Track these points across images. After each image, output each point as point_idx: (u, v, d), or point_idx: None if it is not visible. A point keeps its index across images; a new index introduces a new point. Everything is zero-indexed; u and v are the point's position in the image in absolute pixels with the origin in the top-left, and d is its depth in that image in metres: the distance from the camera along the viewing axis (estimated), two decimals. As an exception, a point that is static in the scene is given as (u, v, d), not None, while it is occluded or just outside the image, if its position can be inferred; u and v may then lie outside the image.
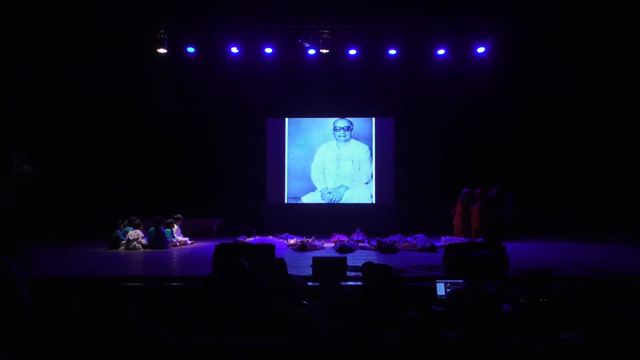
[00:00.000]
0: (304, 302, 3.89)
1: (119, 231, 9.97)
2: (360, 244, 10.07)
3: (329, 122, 14.46)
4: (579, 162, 12.82)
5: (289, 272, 5.02)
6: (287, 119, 14.47)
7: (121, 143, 13.50)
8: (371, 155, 14.25)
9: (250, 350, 3.07)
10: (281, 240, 10.64)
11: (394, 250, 9.30)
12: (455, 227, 11.44)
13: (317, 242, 10.13)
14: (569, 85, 12.64)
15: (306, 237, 10.42)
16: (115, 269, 7.07)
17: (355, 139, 14.35)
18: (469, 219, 11.28)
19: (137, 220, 9.86)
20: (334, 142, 14.37)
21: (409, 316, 2.57)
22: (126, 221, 10.20)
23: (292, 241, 10.41)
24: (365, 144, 14.32)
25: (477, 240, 10.08)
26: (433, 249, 9.35)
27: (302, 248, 9.57)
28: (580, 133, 12.81)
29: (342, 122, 14.52)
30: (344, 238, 10.61)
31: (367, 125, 14.38)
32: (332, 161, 14.25)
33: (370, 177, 14.15)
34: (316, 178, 14.18)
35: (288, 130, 14.43)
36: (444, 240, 10.20)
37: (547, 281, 4.84)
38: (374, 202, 13.96)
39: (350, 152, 14.36)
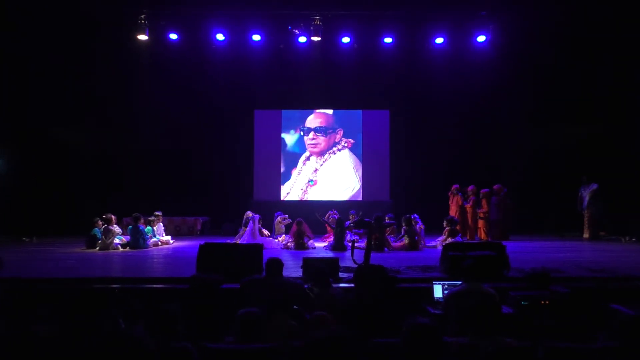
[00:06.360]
0: (295, 307, 3.87)
1: (96, 230, 9.88)
2: (356, 244, 10.07)
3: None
4: (581, 158, 12.86)
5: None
6: (275, 111, 14.39)
7: (100, 137, 13.34)
8: (358, 161, 14.19)
9: (239, 355, 3.05)
10: (272, 239, 10.62)
11: (387, 248, 9.37)
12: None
13: (307, 241, 10.10)
14: (574, 77, 12.62)
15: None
16: (90, 270, 7.02)
17: (334, 147, 14.20)
18: (464, 217, 11.33)
19: (112, 217, 9.74)
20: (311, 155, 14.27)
21: (408, 321, 2.57)
22: (102, 221, 10.10)
23: (281, 238, 10.44)
24: (351, 152, 14.22)
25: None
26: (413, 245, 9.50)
27: (298, 246, 9.59)
28: (584, 128, 12.87)
29: (313, 120, 14.32)
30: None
31: (358, 117, 14.36)
32: (310, 177, 14.19)
33: (356, 183, 14.16)
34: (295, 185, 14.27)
35: (277, 123, 14.35)
36: (439, 240, 10.21)
37: (549, 282, 4.87)
38: (368, 199, 13.95)
39: (330, 170, 14.20)
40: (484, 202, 11.34)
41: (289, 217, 11.06)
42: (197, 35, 12.67)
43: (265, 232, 10.56)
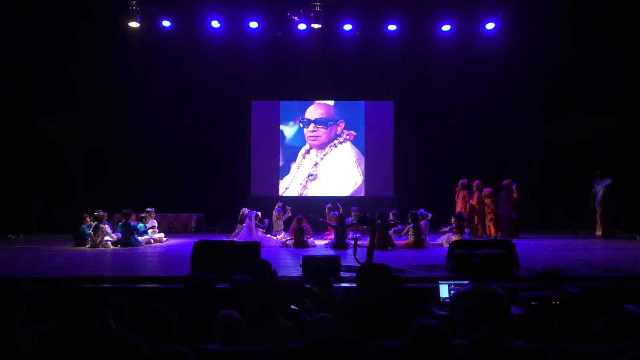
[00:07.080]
0: (292, 306, 3.87)
1: (84, 226, 9.87)
2: (358, 241, 10.08)
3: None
4: (594, 152, 12.81)
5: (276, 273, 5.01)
6: (274, 102, 14.34)
7: (88, 130, 13.29)
8: (361, 154, 14.18)
9: (235, 357, 3.06)
10: (270, 236, 10.63)
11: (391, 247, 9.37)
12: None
13: (307, 239, 10.11)
14: (585, 69, 12.50)
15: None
16: (80, 269, 7.03)
17: (335, 140, 14.20)
18: (471, 214, 11.31)
19: (101, 214, 9.73)
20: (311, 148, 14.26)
21: (415, 322, 2.57)
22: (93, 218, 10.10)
23: (280, 236, 10.44)
24: (354, 145, 14.20)
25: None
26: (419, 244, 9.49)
27: (298, 244, 9.60)
28: (597, 122, 12.80)
29: (314, 112, 14.28)
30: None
31: (360, 108, 14.31)
32: (310, 171, 14.21)
33: (358, 178, 14.17)
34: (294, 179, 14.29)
35: (275, 114, 14.30)
36: (444, 238, 10.22)
37: (560, 282, 4.87)
38: (371, 194, 13.93)
39: (331, 164, 14.19)
40: (487, 201, 11.28)
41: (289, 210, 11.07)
42: (192, 22, 12.63)
43: (259, 214, 10.56)
